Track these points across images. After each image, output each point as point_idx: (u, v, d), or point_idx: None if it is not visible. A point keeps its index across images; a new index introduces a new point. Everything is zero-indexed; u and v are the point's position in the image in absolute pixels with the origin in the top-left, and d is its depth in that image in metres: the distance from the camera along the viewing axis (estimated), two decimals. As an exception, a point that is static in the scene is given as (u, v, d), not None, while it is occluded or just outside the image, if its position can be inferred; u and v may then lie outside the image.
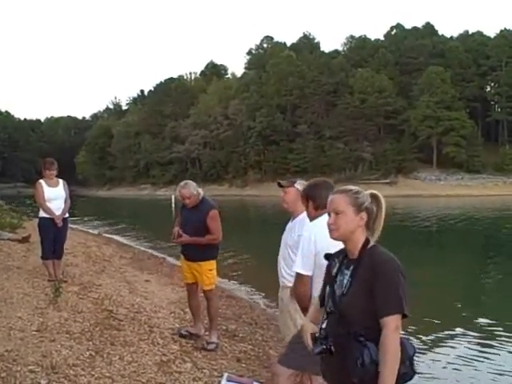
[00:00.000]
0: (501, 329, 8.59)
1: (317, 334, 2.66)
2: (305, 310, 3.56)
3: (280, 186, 4.87)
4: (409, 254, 16.10)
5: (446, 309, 10.17)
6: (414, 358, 2.55)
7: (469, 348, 7.65)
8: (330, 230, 2.65)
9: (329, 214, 2.67)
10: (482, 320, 9.16)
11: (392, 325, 2.41)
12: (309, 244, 3.54)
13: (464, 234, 24.11)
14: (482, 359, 7.15)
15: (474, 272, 14.63)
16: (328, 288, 2.70)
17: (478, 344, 7.83)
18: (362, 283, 2.50)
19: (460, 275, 13.91)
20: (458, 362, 7.04)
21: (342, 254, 2.73)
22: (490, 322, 9.03)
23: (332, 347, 2.53)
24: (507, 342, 7.86)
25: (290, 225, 4.85)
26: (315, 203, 3.85)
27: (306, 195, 3.92)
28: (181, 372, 4.99)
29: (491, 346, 7.68)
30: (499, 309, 10.30)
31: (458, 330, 8.62)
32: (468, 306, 10.58)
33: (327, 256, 2.83)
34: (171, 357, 5.37)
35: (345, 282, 2.60)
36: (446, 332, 8.58)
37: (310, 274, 3.58)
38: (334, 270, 2.70)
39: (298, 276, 3.59)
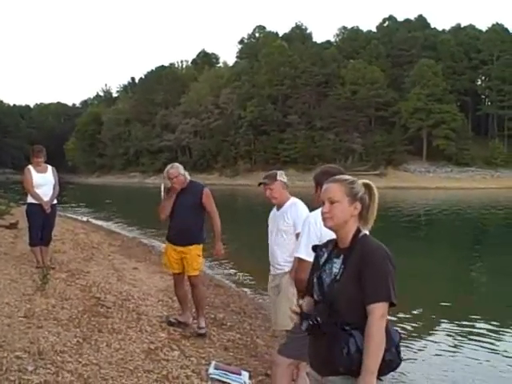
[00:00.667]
0: (485, 319, 8.67)
1: (298, 310, 2.65)
2: (302, 293, 3.57)
3: (264, 184, 4.91)
4: (396, 245, 16.19)
5: (431, 299, 10.24)
6: (400, 345, 2.56)
7: (453, 338, 7.72)
8: (324, 219, 2.64)
9: (323, 203, 2.67)
10: (466, 311, 9.25)
11: (378, 312, 2.41)
12: (314, 229, 3.54)
13: (450, 227, 24.28)
14: (465, 349, 7.23)
15: (459, 264, 14.73)
16: (316, 277, 2.69)
17: (462, 334, 7.91)
18: (352, 271, 2.50)
19: (445, 267, 13.99)
20: (442, 351, 7.11)
21: (331, 243, 2.74)
22: (475, 313, 9.11)
23: (319, 319, 2.51)
24: (490, 333, 7.95)
25: (277, 212, 4.91)
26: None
27: (316, 182, 3.91)
28: (168, 360, 4.99)
29: (476, 337, 7.75)
30: (483, 300, 10.40)
31: (443, 320, 8.70)
32: (452, 298, 10.67)
33: (314, 247, 2.83)
34: (159, 344, 5.36)
35: (334, 270, 2.60)
36: (430, 322, 8.65)
37: (311, 260, 3.60)
38: (322, 260, 2.71)
39: (300, 261, 3.58)
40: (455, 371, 6.44)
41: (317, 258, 2.77)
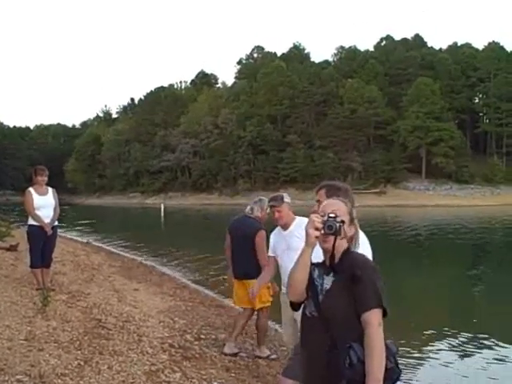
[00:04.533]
0: (485, 335, 8.64)
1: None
2: None
3: (273, 206, 5.06)
4: (395, 263, 16.18)
5: (431, 317, 10.21)
6: (397, 355, 2.60)
7: (452, 352, 7.70)
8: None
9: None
10: (465, 327, 9.21)
11: (375, 321, 2.47)
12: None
13: (450, 245, 24.21)
14: (464, 363, 7.21)
15: (459, 282, 14.67)
16: (310, 295, 2.70)
17: (460, 349, 7.88)
18: (343, 284, 2.56)
19: (444, 285, 13.94)
20: (441, 366, 7.09)
21: (322, 262, 2.77)
22: (474, 328, 9.07)
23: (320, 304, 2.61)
24: (489, 347, 7.92)
25: (284, 232, 5.01)
26: None
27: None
28: (170, 381, 4.96)
29: (474, 351, 7.73)
30: (484, 317, 10.36)
31: (442, 336, 8.66)
32: (452, 315, 10.64)
33: None
34: (160, 366, 5.33)
35: (326, 286, 2.64)
36: (431, 337, 8.62)
37: None
38: (315, 276, 2.72)
39: None
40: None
41: (310, 275, 2.76)
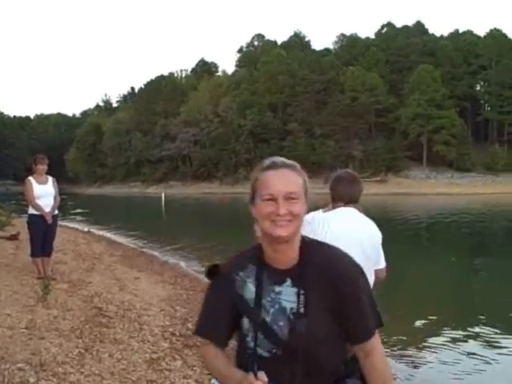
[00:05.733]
0: (486, 328, 8.62)
1: None
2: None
3: None
4: (397, 250, 16.16)
5: (435, 305, 10.20)
6: None
7: (454, 347, 7.67)
8: (281, 226, 1.73)
9: (272, 200, 1.75)
10: (467, 319, 9.18)
11: (379, 347, 1.83)
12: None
13: (451, 233, 24.21)
14: (473, 354, 7.18)
15: (460, 271, 14.66)
16: (250, 324, 1.83)
17: (463, 343, 7.86)
18: (321, 300, 1.77)
19: (445, 274, 13.93)
20: (441, 361, 7.07)
21: (251, 262, 1.87)
22: (475, 320, 9.05)
23: None
24: (491, 340, 7.90)
25: None
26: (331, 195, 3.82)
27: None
28: (171, 370, 4.95)
29: (477, 345, 7.71)
30: (484, 307, 10.34)
31: (443, 329, 8.64)
32: (453, 304, 10.62)
33: (213, 271, 1.90)
34: (161, 354, 5.33)
35: (287, 304, 1.79)
36: (430, 330, 8.60)
37: None
38: (247, 292, 1.84)
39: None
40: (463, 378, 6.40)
41: (231, 289, 1.86)
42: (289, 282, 1.78)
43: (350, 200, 3.66)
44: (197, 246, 17.25)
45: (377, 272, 3.53)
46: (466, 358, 7.09)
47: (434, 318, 9.16)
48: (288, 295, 1.77)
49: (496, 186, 70.02)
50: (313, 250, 1.81)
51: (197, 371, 5.09)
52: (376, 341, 1.81)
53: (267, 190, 1.76)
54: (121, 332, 5.83)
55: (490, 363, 6.84)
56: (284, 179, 1.78)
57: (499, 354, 7.23)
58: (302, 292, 1.75)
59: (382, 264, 3.63)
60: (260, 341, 1.79)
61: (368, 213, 3.71)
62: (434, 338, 7.90)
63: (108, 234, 21.75)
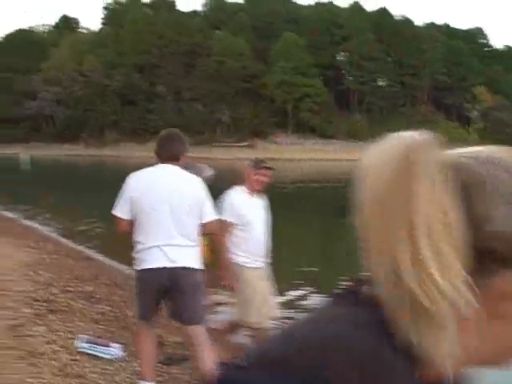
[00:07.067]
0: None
1: None
2: None
3: (269, 168, 4.77)
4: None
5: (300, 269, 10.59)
6: None
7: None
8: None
9: None
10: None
11: None
12: None
13: (310, 197, 25.17)
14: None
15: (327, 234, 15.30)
16: None
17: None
18: None
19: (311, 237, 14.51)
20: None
21: None
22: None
23: None
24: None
25: (259, 200, 4.76)
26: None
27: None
28: (33, 336, 4.77)
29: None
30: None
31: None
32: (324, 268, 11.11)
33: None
34: (23, 321, 5.10)
35: None
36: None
37: None
38: None
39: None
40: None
41: None
42: None
43: (169, 157, 3.68)
44: (60, 208, 16.67)
45: (205, 225, 3.68)
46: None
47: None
48: None
49: (357, 152, 73.74)
50: None
51: (62, 336, 4.94)
52: None
53: None
54: (-23, 299, 5.49)
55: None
56: None
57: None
58: None
59: (209, 217, 3.70)
60: None
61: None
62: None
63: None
